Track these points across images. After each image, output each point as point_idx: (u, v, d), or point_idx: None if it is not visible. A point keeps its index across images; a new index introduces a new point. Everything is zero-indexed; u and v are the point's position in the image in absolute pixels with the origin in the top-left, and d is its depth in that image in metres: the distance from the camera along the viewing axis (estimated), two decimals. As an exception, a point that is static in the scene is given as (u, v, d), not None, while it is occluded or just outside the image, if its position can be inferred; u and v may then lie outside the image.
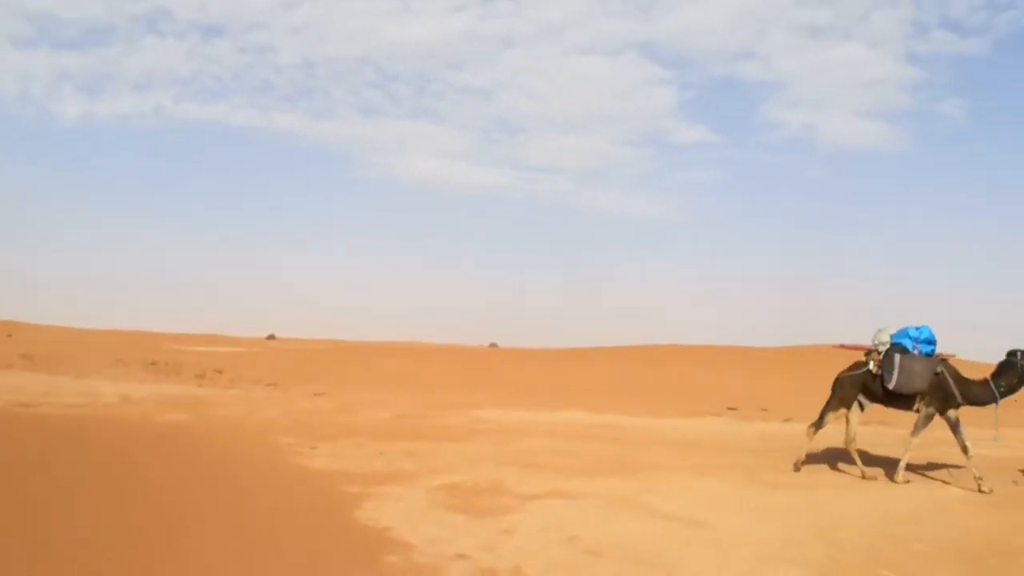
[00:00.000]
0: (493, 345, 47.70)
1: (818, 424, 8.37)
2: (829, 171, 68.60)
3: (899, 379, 7.69)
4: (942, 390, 7.72)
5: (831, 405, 8.32)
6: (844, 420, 8.23)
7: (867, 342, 8.32)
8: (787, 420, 14.58)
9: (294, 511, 6.05)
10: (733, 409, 16.50)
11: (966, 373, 7.98)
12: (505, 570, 4.52)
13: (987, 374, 7.73)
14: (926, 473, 8.17)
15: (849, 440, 8.16)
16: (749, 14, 61.57)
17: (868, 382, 8.04)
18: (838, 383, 8.34)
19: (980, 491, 7.21)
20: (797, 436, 11.73)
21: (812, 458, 8.62)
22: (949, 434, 7.66)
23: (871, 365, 8.02)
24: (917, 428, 7.79)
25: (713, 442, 10.81)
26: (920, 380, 7.68)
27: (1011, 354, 7.59)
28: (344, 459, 8.23)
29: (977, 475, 7.32)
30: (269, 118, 64.35)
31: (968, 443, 7.46)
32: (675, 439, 10.90)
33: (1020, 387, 7.55)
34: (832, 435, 8.68)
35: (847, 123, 65.39)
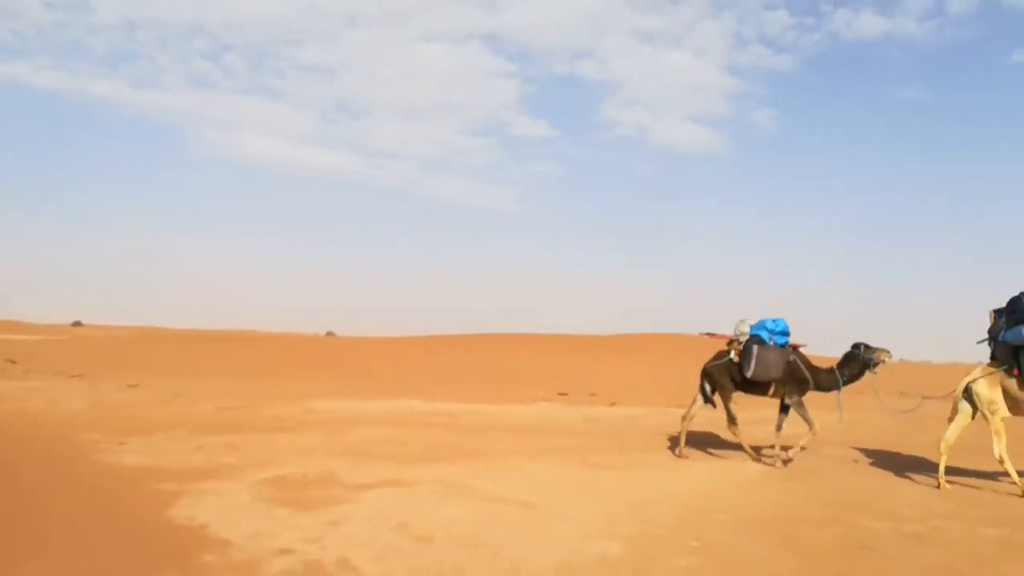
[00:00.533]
0: (330, 334, 46.41)
1: (732, 418, 8.64)
2: (659, 169, 73.32)
3: (756, 368, 8.34)
4: (795, 377, 8.52)
5: (724, 397, 8.74)
6: (694, 405, 8.80)
7: (710, 330, 9.21)
8: (613, 404, 15.45)
9: (97, 513, 5.53)
10: (564, 395, 17.21)
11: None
12: (331, 561, 4.41)
13: (833, 364, 8.64)
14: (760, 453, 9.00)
15: (687, 417, 8.82)
16: (588, 15, 64.21)
17: (731, 370, 8.62)
18: (707, 374, 8.81)
19: (785, 463, 8.13)
20: (622, 419, 12.51)
21: (654, 442, 9.19)
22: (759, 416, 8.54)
23: (732, 354, 8.65)
24: (784, 418, 8.62)
25: (544, 426, 11.22)
26: (775, 369, 8.39)
27: (855, 346, 8.55)
28: (158, 455, 7.64)
29: (802, 447, 8.31)
30: (81, 82, 57.73)
31: (785, 430, 8.48)
32: (508, 424, 11.20)
33: (861, 375, 8.52)
34: (660, 423, 9.31)
35: (675, 126, 70.23)
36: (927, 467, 7.95)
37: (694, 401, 8.83)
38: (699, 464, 8.25)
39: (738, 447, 8.77)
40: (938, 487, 7.18)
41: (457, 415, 12.32)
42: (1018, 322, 7.23)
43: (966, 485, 7.50)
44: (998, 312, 7.63)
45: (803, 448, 8.37)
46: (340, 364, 26.03)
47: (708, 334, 9.34)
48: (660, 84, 71.46)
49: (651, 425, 11.61)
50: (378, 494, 6.16)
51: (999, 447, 7.04)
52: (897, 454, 9.08)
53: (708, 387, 8.71)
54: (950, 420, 7.47)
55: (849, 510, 6.18)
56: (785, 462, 8.16)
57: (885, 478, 7.75)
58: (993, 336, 7.60)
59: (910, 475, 7.79)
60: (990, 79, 67.83)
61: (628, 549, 4.83)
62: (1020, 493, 6.95)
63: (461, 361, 28.54)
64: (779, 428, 8.61)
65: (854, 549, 5.06)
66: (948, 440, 7.30)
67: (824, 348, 10.20)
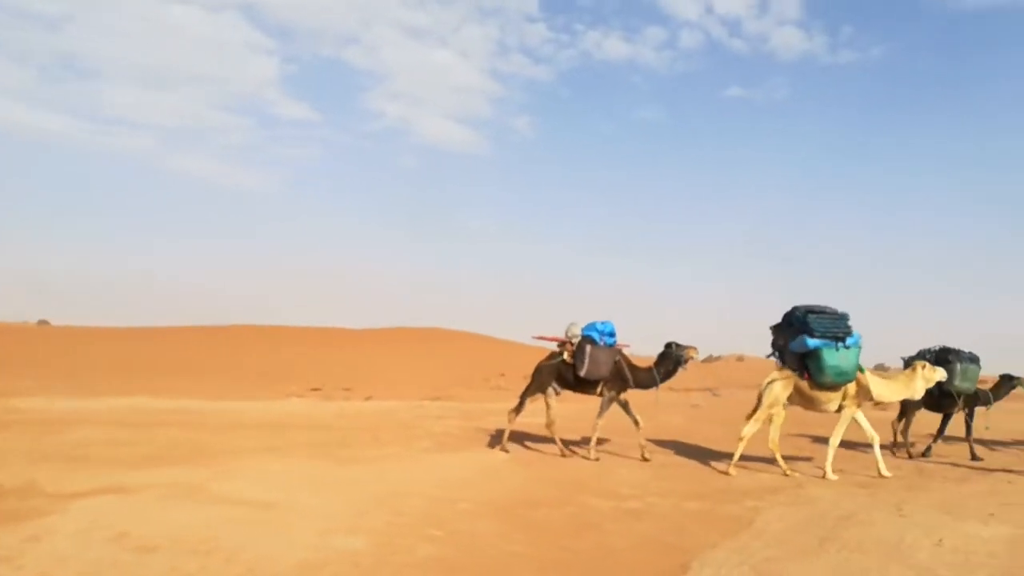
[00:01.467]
0: (43, 322, 40.36)
1: (518, 408, 9.05)
2: (421, 164, 74.11)
3: (588, 367, 8.74)
4: (620, 376, 9.01)
5: (530, 391, 9.09)
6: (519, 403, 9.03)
7: (540, 334, 9.34)
8: (369, 398, 15.33)
9: None
10: (317, 390, 16.73)
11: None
12: (27, 582, 3.83)
13: (650, 363, 9.23)
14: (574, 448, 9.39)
15: (550, 422, 8.99)
16: (354, 1, 62.85)
17: (562, 370, 8.96)
18: (537, 371, 9.10)
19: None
20: (377, 413, 12.46)
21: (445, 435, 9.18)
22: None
23: (565, 355, 8.97)
24: (602, 410, 9.00)
25: (294, 422, 10.78)
26: (605, 367, 8.83)
27: (668, 346, 9.19)
28: None
29: (643, 444, 8.93)
30: None
31: (639, 417, 8.90)
32: (255, 422, 10.58)
33: (675, 373, 9.20)
34: (416, 417, 9.37)
35: (439, 123, 71.48)
36: (685, 452, 8.96)
37: (548, 406, 9.00)
38: (449, 456, 8.48)
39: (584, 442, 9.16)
40: (725, 472, 8.22)
41: (198, 413, 11.36)
42: (797, 334, 8.39)
43: (679, 467, 8.61)
44: (777, 327, 8.84)
45: (598, 441, 8.96)
46: (55, 356, 22.75)
47: (539, 337, 9.48)
48: (426, 80, 72.21)
49: (406, 419, 11.71)
50: (93, 502, 5.46)
51: (773, 434, 8.46)
52: (630, 442, 10.10)
53: (541, 383, 9.02)
54: (748, 416, 8.63)
55: (580, 492, 6.77)
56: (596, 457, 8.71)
57: (614, 462, 8.60)
58: (779, 348, 8.82)
59: (634, 459, 8.74)
60: (712, 107, 78.48)
61: (373, 541, 4.81)
62: (784, 473, 8.28)
63: (205, 354, 26.43)
64: (636, 424, 9.03)
65: (580, 526, 5.54)
66: (773, 438, 8.48)
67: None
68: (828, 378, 8.21)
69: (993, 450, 11.44)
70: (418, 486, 6.64)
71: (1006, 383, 11.33)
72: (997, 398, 11.18)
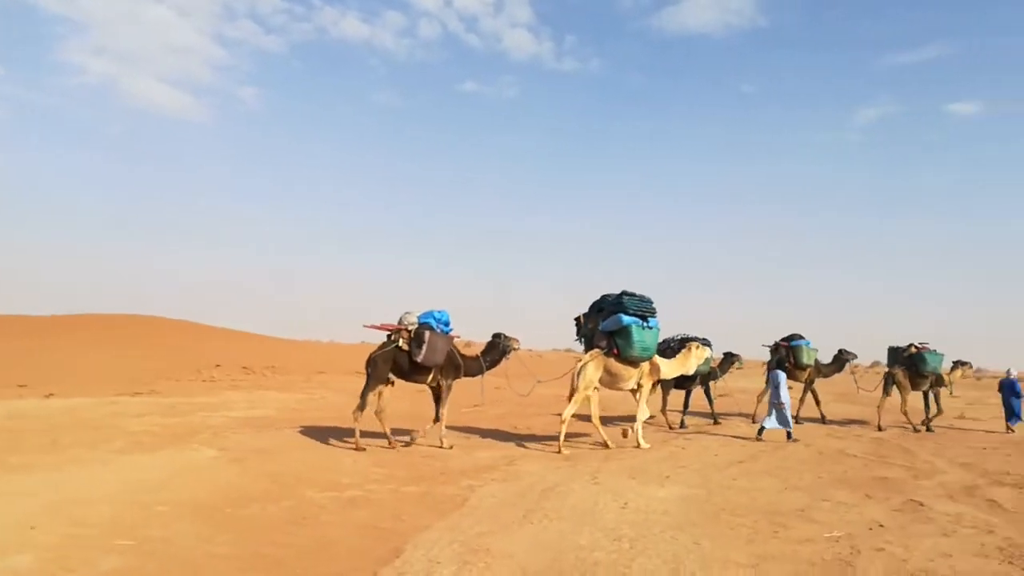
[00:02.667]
0: None
1: (361, 405, 8.75)
2: (127, 129, 65.55)
3: (426, 354, 8.74)
4: (452, 363, 9.17)
5: (370, 385, 8.84)
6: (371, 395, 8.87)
7: (371, 323, 9.04)
8: (49, 396, 13.23)
9: None
10: (-20, 388, 14.01)
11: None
12: None
13: (478, 352, 9.52)
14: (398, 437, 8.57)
15: (380, 410, 8.92)
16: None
17: (397, 357, 8.83)
18: (373, 363, 8.86)
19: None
20: (59, 412, 10.74)
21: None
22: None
23: (400, 342, 8.82)
24: (443, 401, 9.18)
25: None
26: (440, 354, 8.86)
27: (495, 336, 9.57)
28: None
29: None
30: None
31: (445, 412, 9.18)
32: None
33: (500, 361, 9.53)
34: (108, 414, 8.21)
35: (152, 86, 63.87)
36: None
37: (379, 395, 8.97)
38: (147, 456, 7.59)
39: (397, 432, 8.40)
40: (558, 452, 9.04)
41: None
42: (610, 314, 9.58)
43: (403, 452, 8.67)
44: (586, 315, 10.14)
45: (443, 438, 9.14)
46: None
47: (371, 326, 9.16)
48: (137, 35, 64.04)
49: (95, 417, 10.29)
50: None
51: (594, 412, 9.67)
52: (347, 430, 9.94)
53: (380, 374, 8.87)
54: (569, 397, 9.56)
55: (298, 485, 6.50)
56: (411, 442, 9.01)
57: (333, 453, 8.41)
58: (587, 334, 10.03)
59: (353, 445, 8.62)
60: (449, 98, 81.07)
61: (44, 558, 4.14)
62: (603, 446, 9.48)
63: None
64: (438, 417, 9.17)
65: (295, 520, 5.31)
66: (580, 410, 9.54)
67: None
68: (635, 352, 9.45)
69: (719, 422, 13.60)
70: (105, 491, 5.85)
71: (728, 360, 14.08)
72: (723, 373, 13.85)
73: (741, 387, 19.93)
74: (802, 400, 13.97)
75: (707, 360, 11.33)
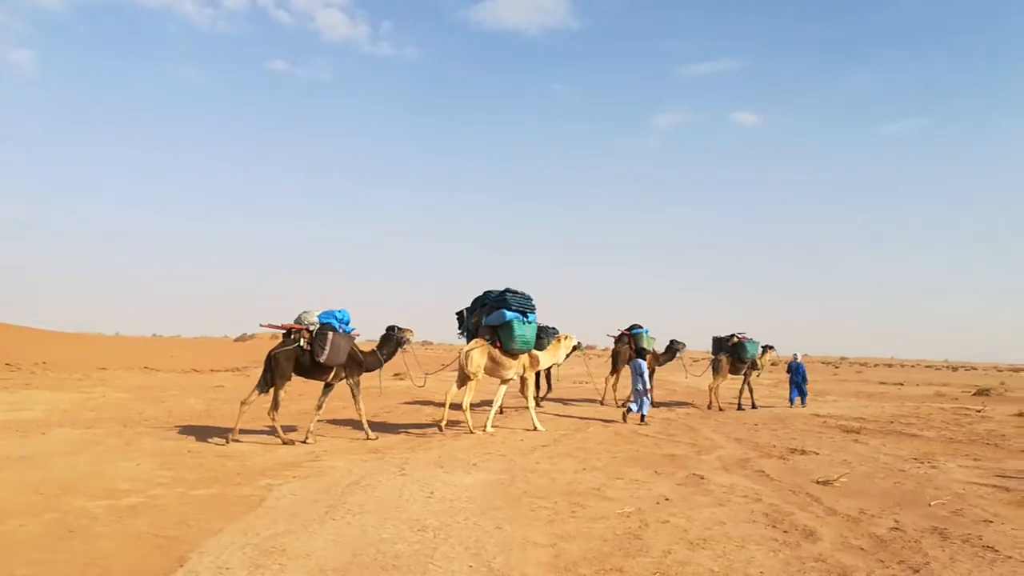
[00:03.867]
0: None
1: (275, 405, 8.87)
2: None
3: (329, 354, 8.88)
4: (355, 361, 9.37)
5: (278, 384, 8.92)
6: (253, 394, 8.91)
7: (268, 323, 9.17)
8: None
9: None
10: None
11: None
12: None
13: (374, 347, 9.84)
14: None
15: (246, 402, 8.87)
16: None
17: (299, 356, 8.94)
18: (274, 360, 8.88)
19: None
20: None
21: None
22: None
23: (302, 341, 8.93)
24: (356, 398, 9.45)
25: None
26: (343, 354, 9.05)
27: (389, 329, 9.91)
28: None
29: (312, 430, 9.25)
30: None
31: (325, 404, 9.53)
32: None
33: (395, 354, 9.94)
34: None
35: None
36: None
37: (256, 387, 8.93)
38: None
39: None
40: (470, 432, 9.86)
41: None
42: (493, 310, 10.20)
43: (195, 453, 8.02)
44: (469, 310, 10.86)
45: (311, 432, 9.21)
46: None
47: (268, 325, 9.25)
48: None
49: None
50: None
51: (467, 399, 10.16)
52: (130, 432, 9.04)
53: (271, 374, 8.85)
54: (458, 383, 10.26)
55: (66, 494, 5.78)
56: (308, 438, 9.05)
57: (110, 457, 7.59)
58: (470, 328, 10.73)
59: (139, 450, 7.84)
60: (256, 77, 76.72)
61: None
62: (471, 429, 10.06)
63: None
64: (320, 407, 9.49)
65: (62, 533, 4.70)
66: (457, 395, 10.22)
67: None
68: (516, 345, 10.18)
69: (567, 404, 13.95)
70: None
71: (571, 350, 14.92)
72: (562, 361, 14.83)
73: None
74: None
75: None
